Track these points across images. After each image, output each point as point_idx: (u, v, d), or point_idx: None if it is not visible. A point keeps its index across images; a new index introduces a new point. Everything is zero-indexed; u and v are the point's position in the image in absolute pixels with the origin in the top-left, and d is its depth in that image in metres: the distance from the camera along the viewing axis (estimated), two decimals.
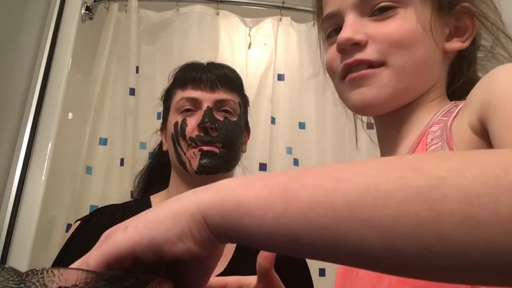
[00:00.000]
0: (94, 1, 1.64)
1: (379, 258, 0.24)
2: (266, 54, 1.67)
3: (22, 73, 1.38)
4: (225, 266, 0.84)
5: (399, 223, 0.23)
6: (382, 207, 0.24)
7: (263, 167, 1.52)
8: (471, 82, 0.51)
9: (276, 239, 0.27)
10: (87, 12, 1.60)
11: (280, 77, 1.65)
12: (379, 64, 0.51)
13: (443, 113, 0.51)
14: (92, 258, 0.28)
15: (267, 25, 1.70)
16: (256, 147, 1.51)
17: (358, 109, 0.55)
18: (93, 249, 0.30)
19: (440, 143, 0.46)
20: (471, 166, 0.24)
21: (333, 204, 0.25)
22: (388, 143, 0.57)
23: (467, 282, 0.25)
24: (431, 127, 0.50)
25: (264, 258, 0.56)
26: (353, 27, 0.51)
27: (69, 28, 1.50)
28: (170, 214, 0.29)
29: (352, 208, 0.24)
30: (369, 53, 0.51)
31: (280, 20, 1.71)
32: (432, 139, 0.48)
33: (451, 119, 0.47)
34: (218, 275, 0.82)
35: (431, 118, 0.51)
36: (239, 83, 0.96)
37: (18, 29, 1.35)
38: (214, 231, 0.28)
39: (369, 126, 0.70)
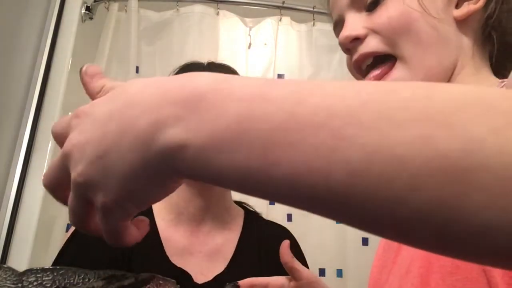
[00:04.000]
0: (94, 1, 1.65)
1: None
2: (266, 54, 1.68)
3: (22, 73, 1.38)
4: (225, 266, 0.84)
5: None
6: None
7: None
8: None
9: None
10: (87, 12, 1.60)
11: (280, 77, 1.65)
12: (385, 54, 0.50)
13: None
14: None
15: (267, 25, 1.71)
16: None
17: None
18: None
19: None
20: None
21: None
22: None
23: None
24: None
25: (281, 253, 0.57)
26: (351, 24, 0.52)
27: (69, 28, 1.50)
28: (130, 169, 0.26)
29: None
30: (371, 45, 0.50)
31: (280, 20, 1.71)
32: None
33: None
34: (218, 275, 0.82)
35: None
36: None
37: (18, 29, 1.35)
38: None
39: None
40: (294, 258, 0.59)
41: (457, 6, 0.50)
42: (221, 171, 0.23)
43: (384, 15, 0.50)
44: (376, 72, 0.51)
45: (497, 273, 0.36)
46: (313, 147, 0.21)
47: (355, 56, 0.52)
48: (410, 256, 0.47)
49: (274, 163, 0.22)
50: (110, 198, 0.27)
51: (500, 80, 0.49)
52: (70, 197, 0.29)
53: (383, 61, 0.51)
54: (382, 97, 0.21)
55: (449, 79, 0.50)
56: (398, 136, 0.20)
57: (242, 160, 0.23)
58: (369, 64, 0.52)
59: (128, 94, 0.27)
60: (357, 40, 0.51)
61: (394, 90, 0.22)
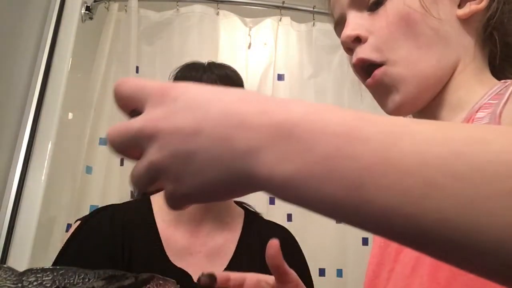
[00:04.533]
0: (94, 1, 1.65)
1: None
2: (266, 54, 1.68)
3: (22, 73, 1.38)
4: (225, 267, 0.84)
5: None
6: None
7: None
8: None
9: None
10: (87, 12, 1.60)
11: (280, 77, 1.65)
12: (380, 63, 0.49)
13: (492, 95, 0.46)
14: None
15: (267, 25, 1.71)
16: None
17: (395, 114, 0.52)
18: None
19: None
20: None
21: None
22: None
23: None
24: (477, 111, 0.46)
25: (271, 255, 0.55)
26: (353, 24, 0.51)
27: (69, 28, 1.50)
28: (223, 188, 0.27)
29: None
30: (368, 51, 0.50)
31: (280, 20, 1.71)
32: None
33: (501, 105, 0.43)
34: None
35: (476, 101, 0.47)
36: (239, 83, 0.96)
37: (18, 29, 1.35)
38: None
39: None
40: (284, 261, 0.57)
41: (459, 6, 0.50)
42: (306, 200, 0.25)
43: (383, 20, 0.49)
44: (370, 79, 0.50)
45: None
46: (403, 192, 0.22)
47: (353, 60, 0.51)
48: (416, 255, 0.46)
49: (361, 202, 0.23)
50: (181, 192, 0.28)
51: (503, 81, 0.49)
52: (139, 168, 0.29)
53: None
54: (473, 147, 0.22)
55: (449, 79, 0.50)
56: (490, 190, 0.20)
57: (329, 194, 0.24)
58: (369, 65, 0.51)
59: (225, 101, 0.27)
60: (359, 40, 0.51)
61: (484, 140, 0.22)
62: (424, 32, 0.48)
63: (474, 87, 0.49)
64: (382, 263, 0.53)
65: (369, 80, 0.51)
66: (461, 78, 0.50)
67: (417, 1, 0.48)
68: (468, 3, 0.50)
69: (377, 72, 0.49)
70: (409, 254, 0.48)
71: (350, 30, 0.51)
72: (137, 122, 0.29)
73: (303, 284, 0.60)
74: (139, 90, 0.30)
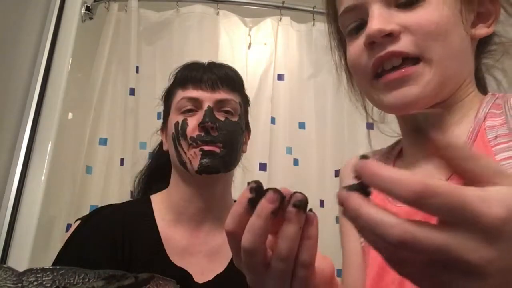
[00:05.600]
0: (94, 1, 1.65)
1: None
2: (266, 54, 1.68)
3: (22, 73, 1.38)
4: (225, 266, 0.84)
5: None
6: None
7: (263, 167, 1.52)
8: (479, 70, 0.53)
9: None
10: (87, 12, 1.60)
11: (280, 77, 1.65)
12: (413, 57, 0.48)
13: (489, 104, 0.50)
14: None
15: (267, 25, 1.71)
16: (256, 147, 1.51)
17: (396, 109, 0.52)
18: None
19: (511, 142, 0.44)
20: None
21: None
22: (427, 139, 0.53)
23: None
24: (484, 120, 0.49)
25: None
26: (381, 17, 0.48)
27: (69, 28, 1.50)
28: None
29: None
30: (404, 45, 0.48)
31: (280, 20, 1.71)
32: (496, 137, 0.46)
33: None
34: (218, 275, 0.82)
35: (476, 110, 0.50)
36: (239, 83, 0.96)
37: (18, 29, 1.35)
38: None
39: (369, 126, 0.69)
40: None
41: (473, 25, 0.52)
42: None
43: (425, 17, 0.48)
44: (398, 71, 0.49)
45: None
46: None
47: (382, 53, 0.49)
48: None
49: None
50: None
51: (491, 93, 0.53)
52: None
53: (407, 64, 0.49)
54: None
55: (455, 91, 0.52)
56: None
57: None
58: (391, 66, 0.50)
59: None
60: (389, 36, 0.48)
61: None
62: (456, 40, 0.49)
63: (473, 100, 0.53)
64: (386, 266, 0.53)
65: (392, 75, 0.49)
66: (463, 93, 0.53)
67: (458, 10, 0.49)
68: (481, 25, 0.52)
69: (413, 68, 0.48)
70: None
71: (382, 24, 0.48)
72: (463, 252, 0.26)
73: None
74: (471, 211, 0.26)
